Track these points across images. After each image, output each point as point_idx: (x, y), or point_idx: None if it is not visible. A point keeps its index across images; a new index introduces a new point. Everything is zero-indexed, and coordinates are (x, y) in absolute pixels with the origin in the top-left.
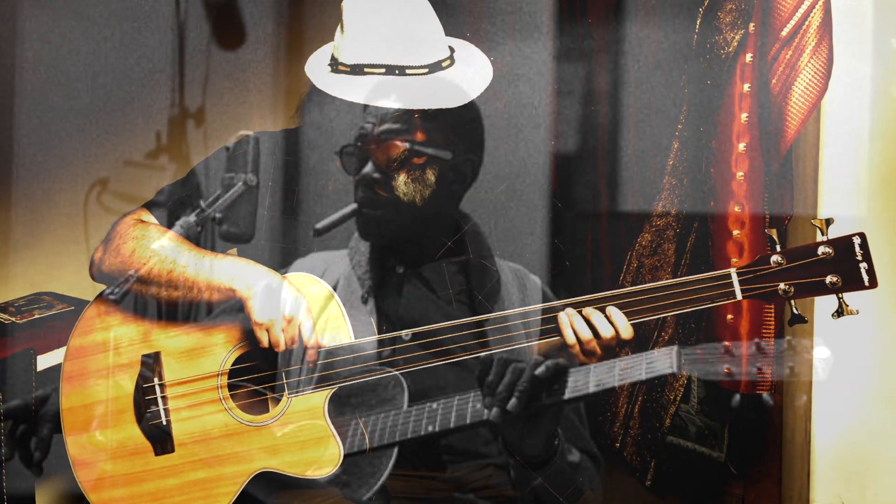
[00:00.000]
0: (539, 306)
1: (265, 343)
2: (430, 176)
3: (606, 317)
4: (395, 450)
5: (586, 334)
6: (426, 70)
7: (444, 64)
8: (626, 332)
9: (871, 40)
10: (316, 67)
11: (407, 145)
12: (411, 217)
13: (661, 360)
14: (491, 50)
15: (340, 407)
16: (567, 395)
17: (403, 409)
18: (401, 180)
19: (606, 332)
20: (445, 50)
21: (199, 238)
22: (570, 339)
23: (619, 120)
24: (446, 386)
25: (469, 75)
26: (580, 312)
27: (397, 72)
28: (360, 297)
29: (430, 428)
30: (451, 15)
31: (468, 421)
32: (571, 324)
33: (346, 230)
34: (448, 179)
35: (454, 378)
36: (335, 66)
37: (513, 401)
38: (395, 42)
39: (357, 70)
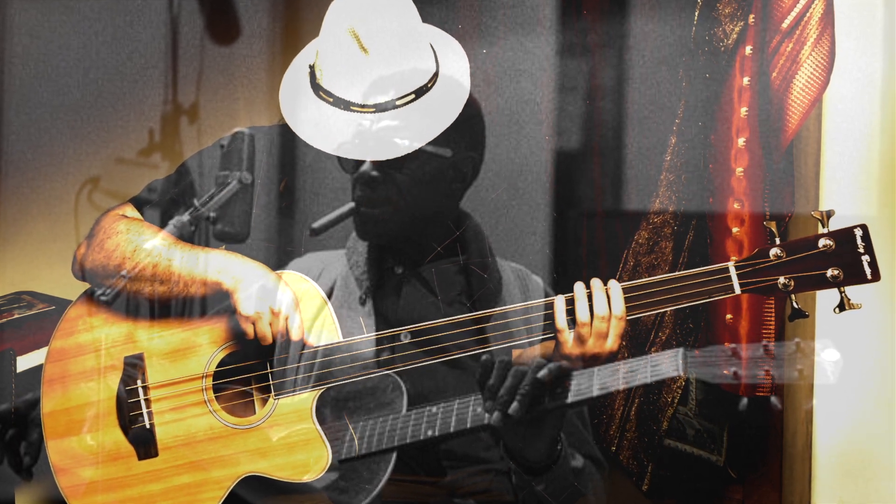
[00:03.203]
0: (540, 301)
1: (251, 335)
2: (426, 174)
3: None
4: (394, 455)
5: (584, 317)
6: (372, 110)
7: (398, 102)
8: (619, 309)
9: (881, 36)
10: (298, 86)
11: (405, 143)
12: (410, 216)
13: (667, 363)
14: (491, 45)
15: (338, 411)
16: (570, 399)
17: (402, 413)
18: (398, 178)
19: (602, 310)
20: (411, 85)
21: (192, 238)
22: (561, 323)
23: (619, 116)
24: (446, 389)
25: (456, 82)
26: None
27: (342, 106)
28: (358, 298)
29: (430, 432)
30: (450, 8)
31: (469, 425)
32: (574, 303)
33: (343, 230)
34: (448, 178)
35: (454, 381)
36: (318, 89)
37: (514, 405)
38: (348, 77)
39: (316, 89)
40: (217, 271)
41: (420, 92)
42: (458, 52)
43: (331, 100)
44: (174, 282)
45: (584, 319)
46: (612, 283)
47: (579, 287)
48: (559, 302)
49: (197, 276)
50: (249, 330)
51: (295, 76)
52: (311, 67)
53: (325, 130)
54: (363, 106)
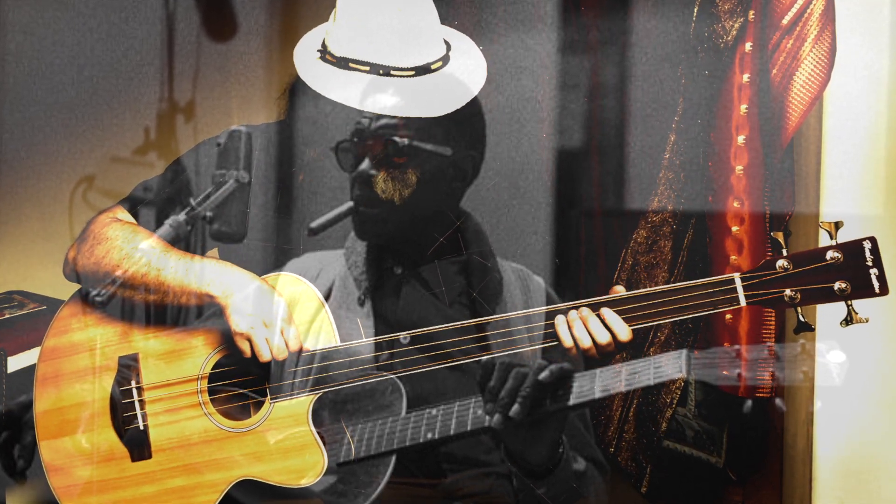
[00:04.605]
0: (542, 309)
1: (248, 353)
2: (411, 176)
3: (602, 320)
4: (393, 458)
5: (586, 342)
6: (412, 73)
7: (433, 66)
8: (624, 334)
9: (888, 33)
10: (305, 52)
11: (405, 141)
12: (410, 216)
13: (670, 365)
14: (492, 42)
15: (336, 413)
16: (572, 401)
17: (402, 416)
18: (379, 178)
19: (603, 338)
20: (439, 50)
21: (189, 237)
22: (568, 342)
23: (621, 114)
24: (446, 391)
25: (459, 80)
26: (578, 315)
27: (381, 72)
28: (357, 299)
29: (430, 435)
30: (449, 5)
31: (469, 428)
32: (571, 328)
33: (341, 229)
34: (448, 176)
35: (454, 383)
36: (324, 53)
37: (515, 407)
38: (384, 40)
39: (342, 63)
40: (207, 283)
41: (445, 60)
42: (471, 49)
43: (367, 68)
44: (164, 292)
45: (586, 344)
46: (608, 312)
47: (573, 313)
48: (561, 325)
49: (187, 287)
50: (245, 348)
51: (306, 43)
52: (325, 48)
53: (373, 97)
54: (403, 69)
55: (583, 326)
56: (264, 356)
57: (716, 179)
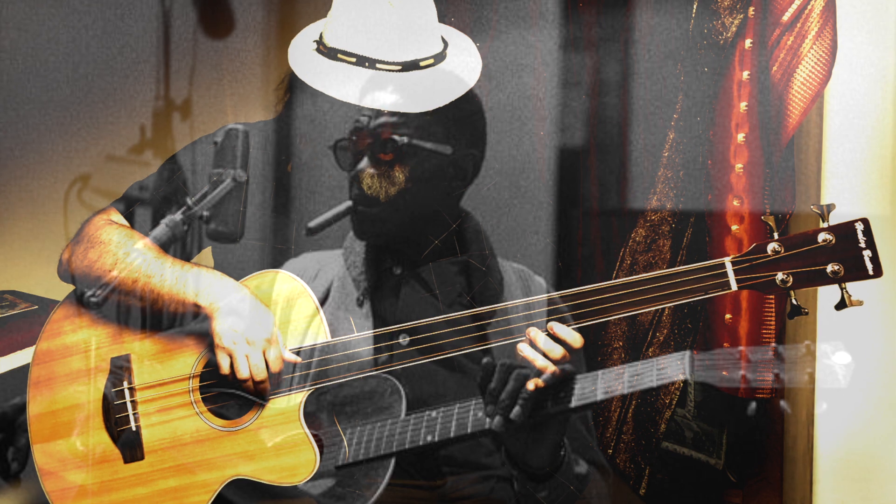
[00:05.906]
0: (540, 297)
1: (225, 370)
2: (398, 174)
3: (551, 335)
4: (392, 461)
5: (544, 364)
6: (399, 68)
7: (422, 63)
8: (576, 342)
9: (894, 30)
10: (302, 42)
11: (405, 139)
12: (409, 215)
13: (673, 366)
14: (492, 39)
15: (335, 416)
16: (574, 403)
17: (401, 418)
18: (366, 173)
19: (556, 353)
20: (432, 47)
21: (185, 237)
22: (542, 362)
23: (619, 112)
24: (446, 393)
25: (450, 78)
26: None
27: (367, 64)
28: (356, 299)
29: (430, 438)
30: (450, 2)
31: (469, 430)
32: (520, 351)
33: (340, 229)
34: (448, 175)
35: (454, 385)
36: (319, 44)
37: (516, 409)
38: (376, 33)
39: (331, 54)
40: (195, 293)
41: (439, 58)
42: (466, 39)
43: (353, 60)
44: (153, 300)
45: (543, 365)
46: (555, 324)
47: (525, 347)
48: (528, 350)
49: (176, 296)
50: (224, 363)
51: (305, 35)
52: (320, 38)
53: (356, 90)
54: (390, 63)
55: (540, 355)
56: (242, 374)
57: (715, 178)
